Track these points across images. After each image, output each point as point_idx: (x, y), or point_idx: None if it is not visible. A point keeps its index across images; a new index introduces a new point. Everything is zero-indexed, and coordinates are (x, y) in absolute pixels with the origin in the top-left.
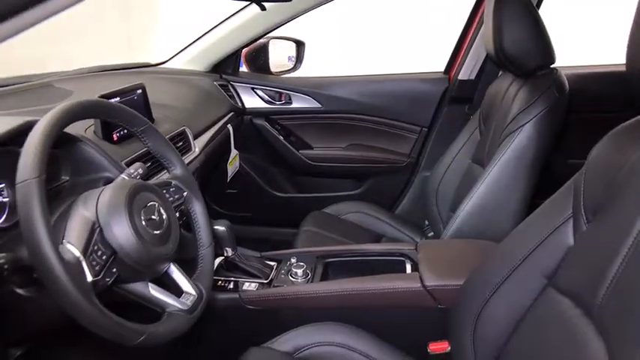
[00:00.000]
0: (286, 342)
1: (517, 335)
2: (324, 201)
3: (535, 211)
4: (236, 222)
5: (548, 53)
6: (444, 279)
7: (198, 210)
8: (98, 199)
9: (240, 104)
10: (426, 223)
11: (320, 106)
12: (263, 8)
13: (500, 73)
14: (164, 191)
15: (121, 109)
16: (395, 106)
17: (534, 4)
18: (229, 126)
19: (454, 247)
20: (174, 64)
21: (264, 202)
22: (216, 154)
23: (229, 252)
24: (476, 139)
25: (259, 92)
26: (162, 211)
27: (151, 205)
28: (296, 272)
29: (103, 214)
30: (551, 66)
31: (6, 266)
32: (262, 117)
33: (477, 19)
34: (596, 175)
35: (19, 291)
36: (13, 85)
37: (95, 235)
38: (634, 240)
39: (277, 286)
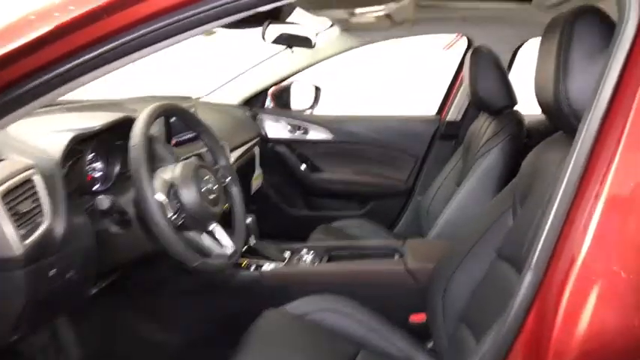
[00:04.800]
0: (296, 308)
1: (473, 298)
2: (333, 219)
3: (488, 204)
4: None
5: (510, 97)
6: (423, 263)
7: (235, 192)
8: (174, 169)
9: (265, 133)
10: None
11: (332, 137)
12: (290, 47)
13: (479, 115)
14: (215, 175)
15: (190, 114)
16: (395, 140)
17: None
18: (256, 148)
19: (434, 242)
20: (212, 98)
21: (280, 217)
22: (244, 169)
23: (253, 240)
24: (460, 167)
25: (282, 124)
26: (214, 183)
27: (207, 178)
28: (306, 258)
29: (177, 179)
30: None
31: (109, 204)
32: (283, 144)
33: (461, 72)
34: (525, 175)
35: (113, 229)
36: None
37: (172, 191)
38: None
39: (290, 268)
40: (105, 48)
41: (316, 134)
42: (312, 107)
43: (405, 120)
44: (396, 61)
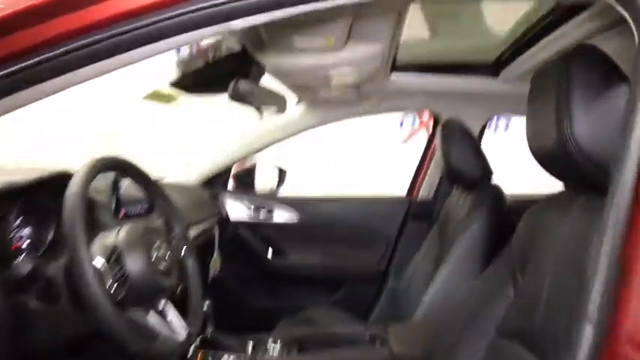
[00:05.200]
0: None
1: None
2: (300, 309)
3: (476, 281)
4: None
5: (485, 168)
6: (410, 348)
7: (192, 265)
8: (118, 232)
9: (226, 214)
10: None
11: (298, 218)
12: (261, 114)
13: (452, 192)
14: (169, 243)
15: (141, 171)
16: (365, 222)
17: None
18: (215, 230)
19: (418, 326)
20: (173, 179)
21: (241, 308)
22: (200, 252)
23: (210, 328)
24: (436, 248)
25: (244, 204)
26: (167, 252)
27: (158, 244)
28: (273, 349)
29: (121, 242)
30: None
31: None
32: (245, 227)
33: (430, 150)
34: (521, 241)
35: (33, 304)
36: None
37: (114, 256)
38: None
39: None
40: (72, 46)
41: (281, 215)
42: (276, 190)
43: (374, 201)
44: (357, 151)
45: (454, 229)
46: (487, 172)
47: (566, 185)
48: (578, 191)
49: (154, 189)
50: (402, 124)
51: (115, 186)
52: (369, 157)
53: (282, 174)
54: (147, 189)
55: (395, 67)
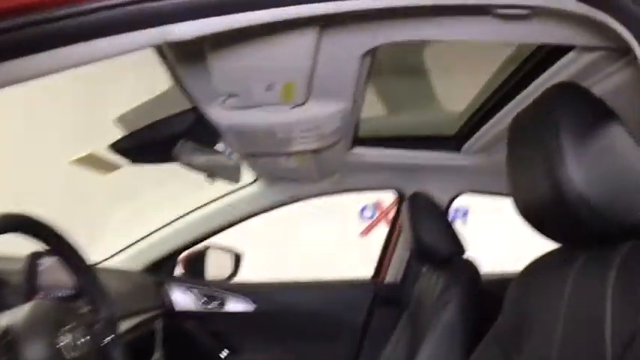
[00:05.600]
0: None
1: None
2: None
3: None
4: None
5: (458, 243)
6: None
7: (117, 358)
8: (17, 312)
9: (171, 304)
10: None
11: (254, 308)
12: (212, 181)
13: (422, 271)
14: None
15: (56, 233)
16: (328, 310)
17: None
18: (157, 323)
19: None
20: (111, 263)
21: None
22: (138, 349)
23: None
24: (409, 335)
25: (193, 294)
26: (82, 338)
27: (70, 327)
28: None
29: (18, 324)
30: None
31: None
32: (193, 319)
33: (396, 229)
34: (512, 314)
35: None
36: None
37: (4, 342)
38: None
39: None
40: None
41: (235, 305)
42: (231, 277)
43: (337, 285)
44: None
45: (428, 312)
46: (460, 247)
47: (563, 244)
48: (578, 247)
49: (80, 268)
50: (362, 213)
51: (32, 264)
52: (325, 250)
53: (237, 259)
54: (71, 266)
55: (357, 141)
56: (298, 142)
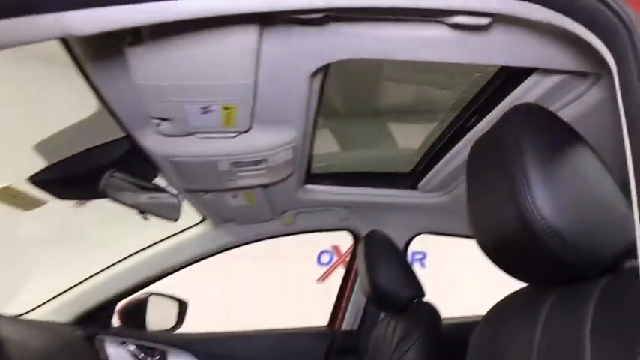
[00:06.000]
0: None
1: None
2: None
3: None
4: None
5: (417, 287)
6: None
7: None
8: None
9: None
10: None
11: None
12: (145, 218)
13: (380, 317)
14: None
15: None
16: None
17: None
18: None
19: None
20: (38, 314)
21: None
22: None
23: None
24: None
25: (130, 349)
26: None
27: None
28: None
29: None
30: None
31: None
32: None
33: (352, 273)
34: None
35: None
36: None
37: None
38: None
39: None
40: None
41: None
42: (175, 328)
43: (291, 334)
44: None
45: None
46: (419, 290)
47: (530, 281)
48: (547, 284)
49: None
50: (319, 259)
51: None
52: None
53: (182, 307)
54: None
55: (310, 177)
56: (244, 177)
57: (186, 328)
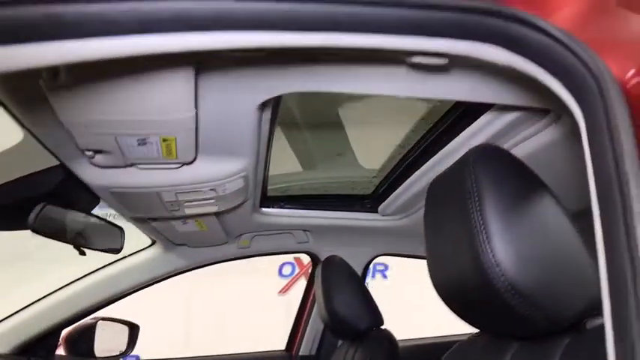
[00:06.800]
0: None
1: None
2: None
3: None
4: None
5: (376, 315)
6: None
7: None
8: None
9: None
10: None
11: None
12: (82, 253)
13: (339, 344)
14: None
15: None
16: None
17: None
18: None
19: None
20: None
21: None
22: None
23: None
24: None
25: None
26: None
27: None
28: None
29: None
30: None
31: None
32: None
33: (309, 297)
34: None
35: None
36: None
37: None
38: None
39: None
40: None
41: None
42: (126, 353)
43: (247, 359)
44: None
45: None
46: (377, 319)
47: (488, 331)
48: (506, 335)
49: None
50: (280, 272)
51: None
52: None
53: (133, 332)
54: None
55: (265, 200)
56: (193, 207)
57: (143, 353)
